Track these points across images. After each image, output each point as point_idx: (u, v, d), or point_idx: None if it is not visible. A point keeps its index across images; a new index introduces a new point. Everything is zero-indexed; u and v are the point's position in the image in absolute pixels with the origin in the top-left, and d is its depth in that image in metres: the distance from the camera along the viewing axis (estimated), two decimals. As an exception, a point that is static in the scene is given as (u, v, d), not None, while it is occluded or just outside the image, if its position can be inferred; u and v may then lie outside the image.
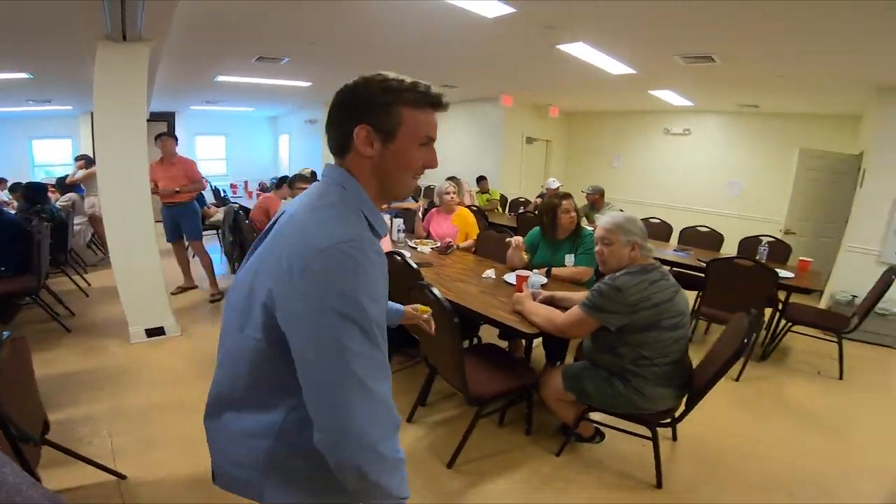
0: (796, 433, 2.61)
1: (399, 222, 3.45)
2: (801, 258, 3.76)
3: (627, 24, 3.34)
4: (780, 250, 4.11)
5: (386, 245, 2.97)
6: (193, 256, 4.50)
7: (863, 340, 3.96)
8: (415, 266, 2.40)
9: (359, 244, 0.75)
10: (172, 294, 4.15)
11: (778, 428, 2.66)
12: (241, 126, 11.07)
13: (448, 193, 3.55)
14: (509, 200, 7.31)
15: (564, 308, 2.04)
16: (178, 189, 4.06)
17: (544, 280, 2.60)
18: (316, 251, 0.72)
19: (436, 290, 1.84)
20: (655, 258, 1.94)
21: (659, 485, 2.07)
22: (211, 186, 7.00)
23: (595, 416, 2.23)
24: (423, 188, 8.21)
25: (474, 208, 5.10)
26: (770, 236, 4.17)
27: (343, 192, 0.83)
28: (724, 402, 2.89)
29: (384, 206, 3.84)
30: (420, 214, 3.75)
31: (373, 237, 0.82)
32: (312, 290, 0.72)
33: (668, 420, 2.01)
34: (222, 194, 7.21)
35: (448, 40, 4.08)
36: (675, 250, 4.19)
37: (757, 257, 3.71)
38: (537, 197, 5.22)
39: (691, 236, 4.68)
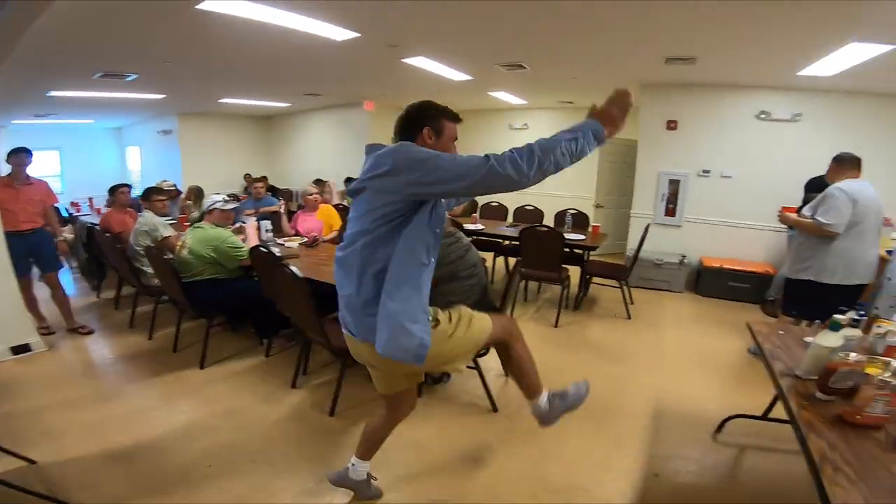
0: (593, 363, 3.40)
1: (266, 224, 3.78)
2: (592, 224, 4.89)
3: (454, 40, 3.94)
4: (582, 219, 5.25)
5: (252, 240, 3.32)
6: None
7: (645, 287, 5.23)
8: (276, 253, 2.84)
9: None
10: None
11: (580, 360, 3.44)
12: (78, 139, 10.06)
13: (311, 195, 4.00)
14: (380, 197, 7.82)
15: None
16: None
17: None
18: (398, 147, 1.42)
19: (292, 268, 2.33)
20: (493, 234, 2.53)
21: (494, 409, 2.67)
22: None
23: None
24: (289, 191, 8.36)
25: (341, 206, 5.54)
26: (574, 209, 5.28)
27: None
28: (544, 343, 3.71)
29: (249, 212, 4.12)
30: (285, 215, 4.12)
31: None
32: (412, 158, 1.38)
33: (483, 352, 2.59)
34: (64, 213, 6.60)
35: (302, 58, 4.40)
36: (507, 226, 5.11)
37: (564, 226, 4.77)
38: None
39: (522, 214, 5.75)
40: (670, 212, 5.51)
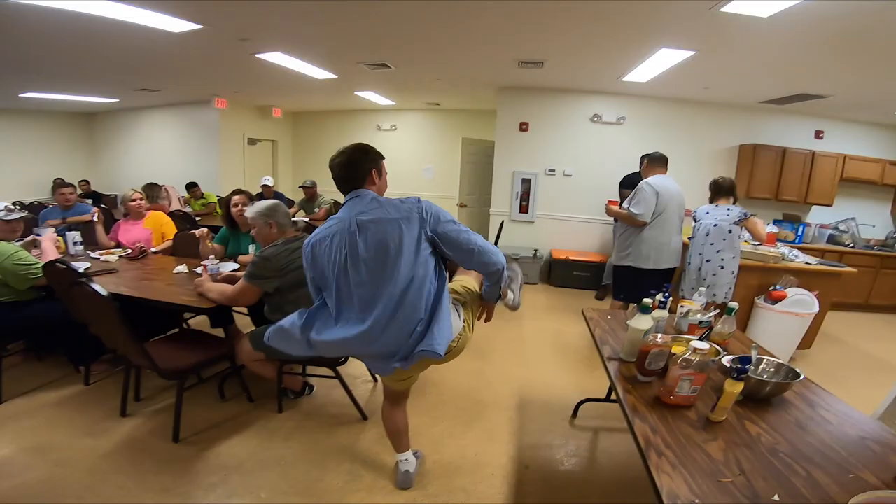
0: (462, 360, 3.26)
1: (74, 235, 3.11)
2: None
3: (313, 36, 3.70)
4: None
5: (50, 254, 2.71)
6: None
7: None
8: (81, 268, 2.33)
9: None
10: None
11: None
12: None
13: (133, 200, 3.40)
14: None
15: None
16: None
17: (234, 266, 2.86)
18: (418, 200, 1.65)
19: (94, 285, 1.90)
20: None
21: (364, 417, 2.54)
22: None
23: (314, 370, 2.61)
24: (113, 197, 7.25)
25: (180, 213, 4.88)
26: None
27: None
28: None
29: (56, 222, 3.39)
30: (101, 225, 3.44)
31: None
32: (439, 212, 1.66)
33: (342, 360, 2.48)
34: None
35: (129, 50, 3.86)
36: None
37: None
38: (256, 195, 5.35)
39: None
40: (524, 209, 5.89)
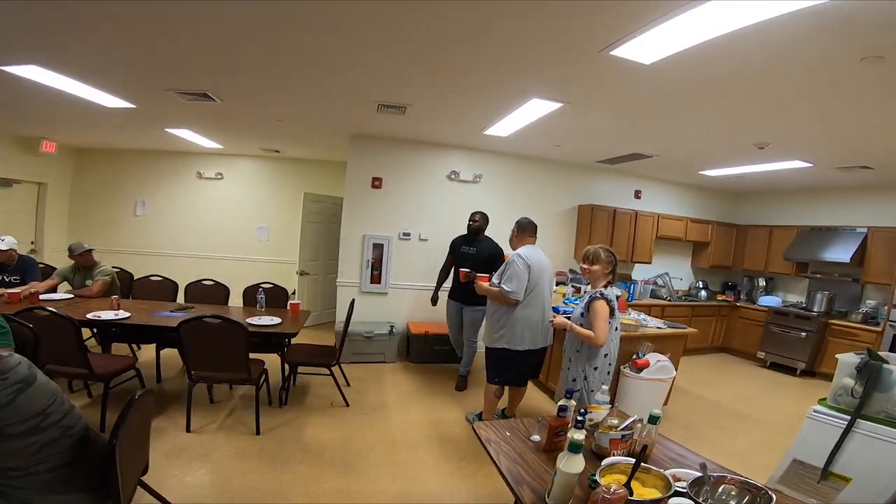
0: (316, 478, 2.63)
1: None
2: (291, 302, 3.98)
3: (92, 50, 2.84)
4: (279, 296, 4.21)
5: None
6: None
7: (360, 361, 4.73)
8: None
9: None
10: None
11: (298, 476, 2.65)
12: None
13: None
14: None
15: None
16: None
17: None
18: None
19: None
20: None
21: None
22: None
23: None
24: None
25: None
26: (269, 283, 4.26)
27: None
28: (244, 461, 2.73)
29: None
30: None
31: None
32: None
33: None
34: None
35: None
36: (175, 309, 3.63)
37: (257, 306, 3.85)
38: None
39: (198, 292, 4.25)
40: (376, 278, 5.19)
